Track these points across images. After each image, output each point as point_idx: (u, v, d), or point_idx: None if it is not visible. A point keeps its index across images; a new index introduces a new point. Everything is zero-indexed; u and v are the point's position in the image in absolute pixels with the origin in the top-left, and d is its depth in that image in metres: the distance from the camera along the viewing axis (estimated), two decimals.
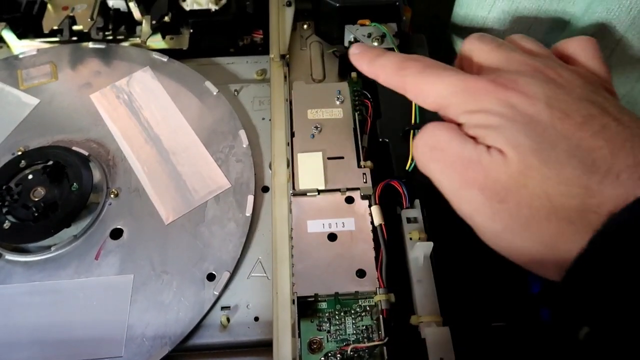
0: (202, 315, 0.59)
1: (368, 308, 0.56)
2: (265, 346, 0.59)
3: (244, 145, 0.71)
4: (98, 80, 0.78)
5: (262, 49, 0.85)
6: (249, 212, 0.66)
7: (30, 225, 0.63)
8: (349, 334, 0.55)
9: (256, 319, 0.60)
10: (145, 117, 0.74)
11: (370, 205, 0.60)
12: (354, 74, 0.74)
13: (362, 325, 0.55)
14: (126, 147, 0.71)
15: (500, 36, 0.71)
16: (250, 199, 0.67)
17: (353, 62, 0.49)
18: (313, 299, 0.56)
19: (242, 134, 0.72)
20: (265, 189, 0.69)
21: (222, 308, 0.61)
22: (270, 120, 0.74)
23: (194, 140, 0.72)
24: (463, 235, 0.58)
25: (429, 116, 0.66)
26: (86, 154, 0.70)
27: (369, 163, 0.63)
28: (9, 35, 0.82)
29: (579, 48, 0.43)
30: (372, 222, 0.59)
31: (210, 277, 0.61)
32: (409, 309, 0.56)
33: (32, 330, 0.59)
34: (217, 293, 0.60)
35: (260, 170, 0.71)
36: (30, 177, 0.67)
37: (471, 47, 0.45)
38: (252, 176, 0.69)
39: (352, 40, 0.75)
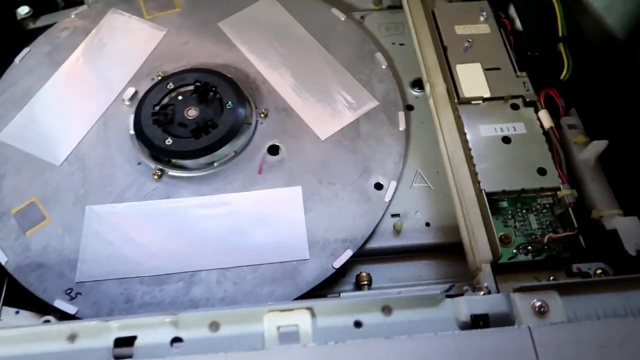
0: (377, 221, 0.60)
1: (547, 205, 0.58)
2: (439, 250, 0.61)
3: (383, 67, 0.72)
4: (222, 8, 0.78)
5: None
6: (402, 127, 0.67)
7: (192, 142, 0.64)
8: (534, 229, 0.56)
9: (427, 224, 0.61)
10: (280, 42, 0.74)
11: (536, 111, 0.62)
12: None
13: (546, 221, 0.57)
14: (267, 71, 0.72)
15: None
16: (401, 115, 0.68)
17: None
18: (498, 195, 0.57)
19: (379, 56, 0.73)
20: (410, 108, 0.70)
21: (392, 215, 0.62)
22: (400, 44, 0.76)
23: (333, 62, 0.72)
24: (625, 134, 0.61)
25: (574, 27, 0.68)
26: (229, 77, 0.70)
27: (524, 74, 0.65)
28: None
29: None
30: (541, 126, 0.61)
31: (378, 186, 0.63)
32: (582, 208, 0.58)
33: (211, 239, 0.59)
34: (387, 200, 0.62)
35: (401, 90, 0.71)
36: (179, 98, 0.68)
37: None
38: (397, 95, 0.69)
39: None
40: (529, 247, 0.55)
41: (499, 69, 0.65)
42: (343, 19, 0.77)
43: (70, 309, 0.55)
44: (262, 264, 0.58)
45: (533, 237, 0.56)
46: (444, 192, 0.63)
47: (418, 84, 0.72)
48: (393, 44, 0.76)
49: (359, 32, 0.75)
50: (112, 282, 0.56)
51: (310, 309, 0.45)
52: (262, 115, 0.68)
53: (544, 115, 0.61)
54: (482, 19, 0.69)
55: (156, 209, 0.61)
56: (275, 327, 0.44)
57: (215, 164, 0.64)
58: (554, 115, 0.63)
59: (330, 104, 0.69)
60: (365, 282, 0.58)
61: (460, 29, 0.68)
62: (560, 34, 0.67)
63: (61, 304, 0.55)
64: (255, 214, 0.61)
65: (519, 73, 0.65)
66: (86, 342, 0.43)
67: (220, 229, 0.60)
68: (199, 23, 0.77)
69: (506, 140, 0.60)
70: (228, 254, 0.58)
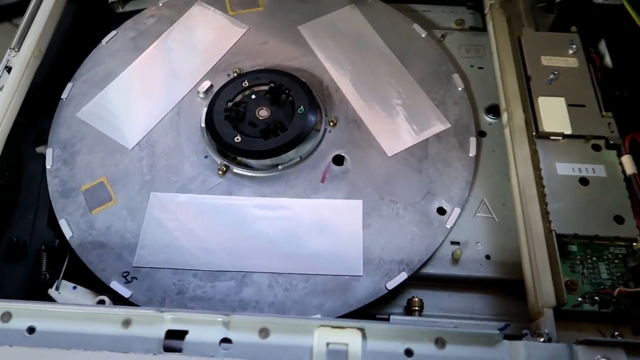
0: (436, 247, 0.59)
1: (621, 256, 0.55)
2: (497, 285, 0.58)
3: (459, 89, 0.70)
4: (304, 12, 0.78)
5: None
6: (472, 153, 0.65)
7: (260, 142, 0.64)
8: (604, 279, 0.54)
9: (487, 257, 0.59)
10: (357, 52, 0.74)
11: (619, 155, 0.59)
12: (573, 28, 0.72)
13: (617, 272, 0.54)
14: (341, 80, 0.71)
15: None
16: (473, 140, 0.66)
17: None
18: (568, 238, 0.54)
19: (456, 77, 0.71)
20: (482, 134, 0.68)
21: (452, 243, 0.60)
22: (479, 68, 0.74)
23: (408, 79, 0.71)
24: None
25: None
26: (304, 81, 0.70)
27: (609, 114, 0.62)
28: None
29: None
30: (623, 172, 0.58)
31: (441, 211, 0.61)
32: None
33: (267, 241, 0.59)
34: (449, 227, 0.60)
35: (475, 115, 0.69)
36: (253, 96, 0.68)
37: None
38: (471, 119, 0.68)
39: None
40: (596, 297, 0.52)
41: (583, 105, 0.62)
42: (423, 36, 0.75)
43: (124, 292, 0.56)
44: (315, 274, 0.57)
45: (602, 287, 0.53)
46: (509, 225, 0.61)
47: (493, 110, 0.69)
48: (472, 66, 0.75)
49: (438, 50, 0.74)
50: (167, 271, 0.57)
51: (362, 329, 0.44)
52: (331, 123, 0.68)
53: (627, 160, 0.58)
54: (570, 52, 0.66)
55: (217, 204, 0.62)
56: (324, 342, 0.43)
57: (280, 167, 0.64)
58: (638, 161, 0.59)
59: (400, 120, 0.67)
60: (417, 308, 0.56)
61: (546, 60, 0.66)
62: None
63: (117, 286, 0.56)
64: (313, 223, 0.60)
65: (604, 113, 0.62)
66: (139, 329, 0.44)
67: (277, 232, 0.60)
68: (280, 24, 0.77)
69: (584, 181, 0.57)
70: (282, 259, 0.58)
